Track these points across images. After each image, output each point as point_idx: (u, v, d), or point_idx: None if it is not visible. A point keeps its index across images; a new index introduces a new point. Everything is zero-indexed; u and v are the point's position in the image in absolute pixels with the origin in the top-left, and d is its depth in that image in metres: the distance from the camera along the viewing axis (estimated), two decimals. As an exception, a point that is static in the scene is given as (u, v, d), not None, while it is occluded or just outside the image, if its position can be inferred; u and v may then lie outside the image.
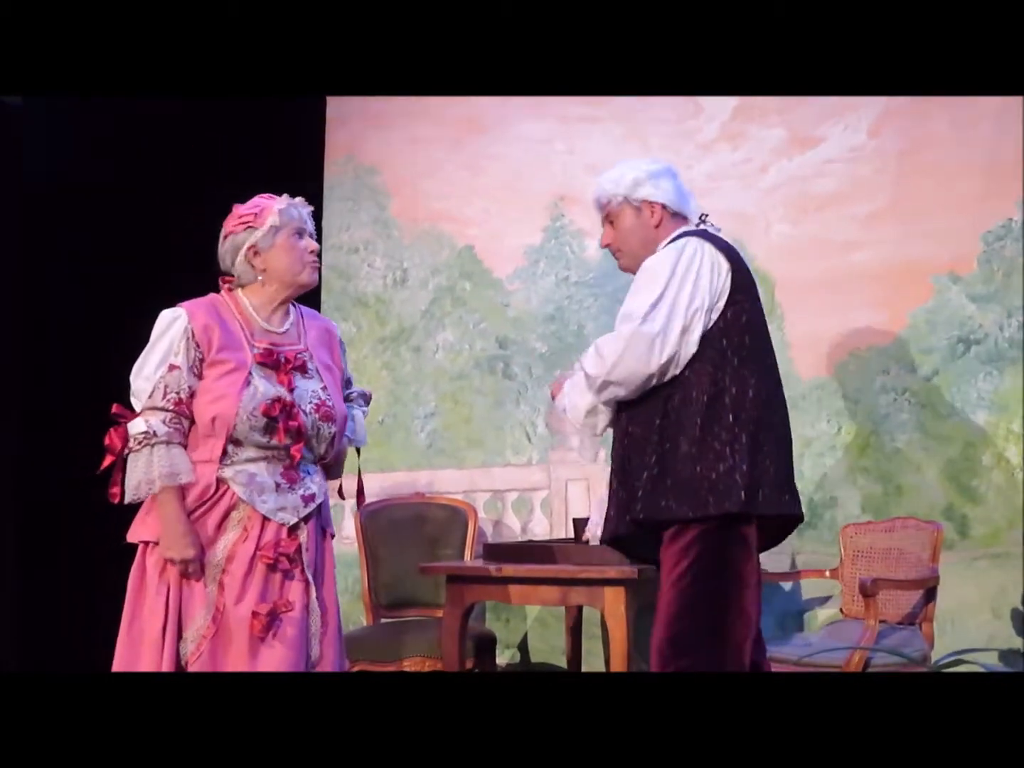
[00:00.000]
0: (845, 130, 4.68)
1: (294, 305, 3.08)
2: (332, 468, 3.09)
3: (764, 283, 4.76)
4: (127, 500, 2.85)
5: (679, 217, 3.02)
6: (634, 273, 2.96)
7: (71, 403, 4.99)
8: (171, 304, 2.97)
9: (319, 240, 3.10)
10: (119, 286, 5.07)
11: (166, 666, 2.76)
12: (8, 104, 5.42)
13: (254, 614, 2.79)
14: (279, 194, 3.03)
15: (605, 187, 3.02)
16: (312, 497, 2.94)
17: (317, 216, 3.12)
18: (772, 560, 4.64)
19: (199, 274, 3.16)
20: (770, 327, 4.78)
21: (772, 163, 4.79)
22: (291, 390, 2.90)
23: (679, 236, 2.94)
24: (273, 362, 2.91)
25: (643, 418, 2.83)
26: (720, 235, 2.99)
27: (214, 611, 2.81)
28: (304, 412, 2.89)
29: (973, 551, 4.39)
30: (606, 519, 2.95)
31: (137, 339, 2.98)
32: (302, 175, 5.20)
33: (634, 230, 3.00)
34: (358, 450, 3.19)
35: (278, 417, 2.84)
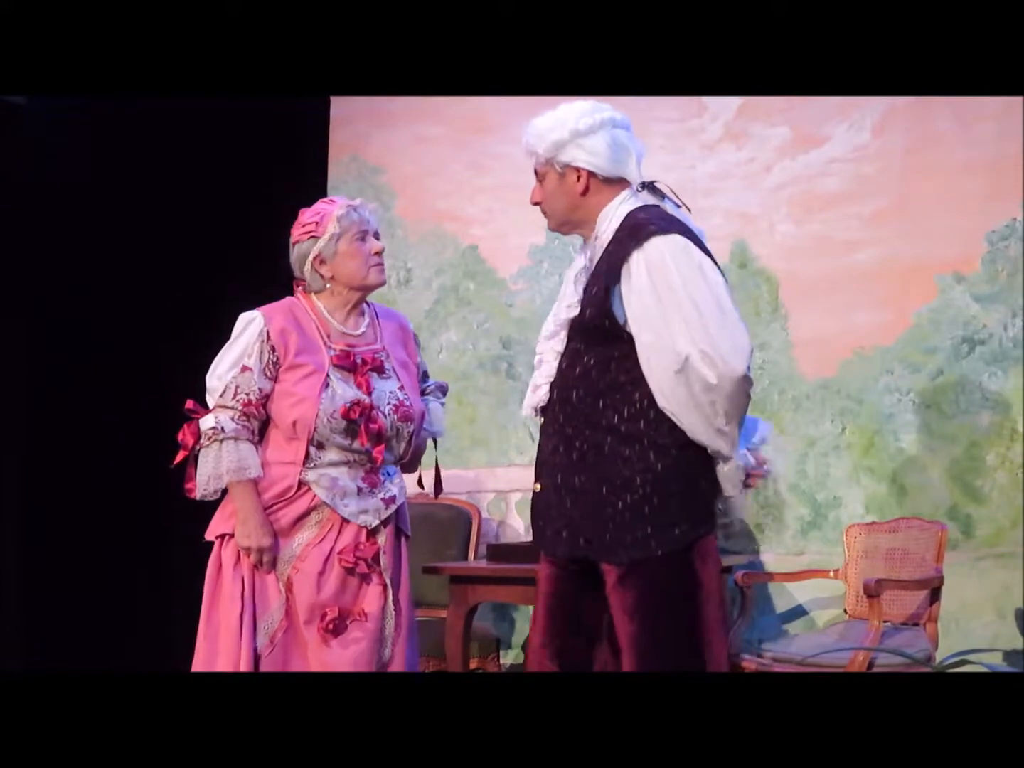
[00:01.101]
0: (849, 129, 4.67)
1: (368, 304, 3.09)
2: (410, 463, 3.11)
3: (768, 282, 4.78)
4: (198, 496, 2.93)
5: (613, 182, 2.68)
6: (560, 232, 2.79)
7: (90, 399, 5.03)
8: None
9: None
10: (119, 286, 5.07)
11: (244, 656, 2.81)
12: (13, 104, 5.42)
13: (323, 615, 2.84)
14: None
15: (530, 140, 2.72)
16: (393, 499, 2.98)
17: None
18: (777, 560, 4.65)
19: (200, 271, 3.17)
20: (774, 326, 4.87)
21: (776, 162, 4.79)
22: (369, 392, 2.93)
23: (633, 217, 2.64)
24: (350, 364, 2.94)
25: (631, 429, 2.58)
26: (678, 213, 2.74)
27: (286, 606, 2.86)
28: (384, 414, 2.92)
29: (977, 551, 4.38)
30: (552, 536, 2.66)
31: (140, 337, 2.99)
32: (307, 174, 5.22)
33: (558, 195, 2.69)
34: (435, 441, 3.22)
35: (358, 420, 2.87)
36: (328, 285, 3.00)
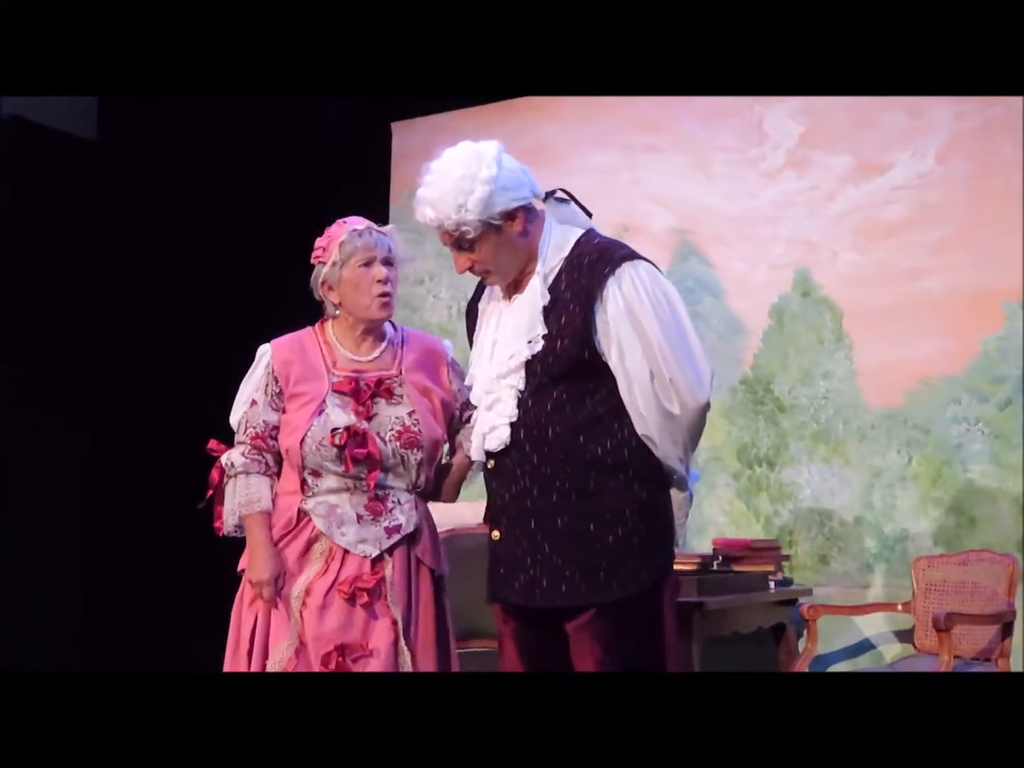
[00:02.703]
0: (913, 156, 4.63)
1: (396, 329, 2.98)
2: (442, 491, 2.94)
3: (831, 311, 4.74)
4: (225, 532, 2.90)
5: (533, 210, 2.59)
6: (508, 288, 2.62)
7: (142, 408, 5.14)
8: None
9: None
10: (186, 317, 5.18)
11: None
12: (84, 140, 5.56)
13: (328, 652, 2.74)
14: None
15: (444, 214, 2.52)
16: (398, 528, 2.82)
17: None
18: (842, 593, 4.58)
19: (263, 306, 3.20)
20: (838, 355, 4.82)
21: (839, 190, 4.75)
22: (369, 418, 2.81)
23: (589, 242, 2.58)
24: (352, 390, 2.83)
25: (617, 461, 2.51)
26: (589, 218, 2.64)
27: (297, 644, 2.78)
28: (384, 440, 2.80)
29: (1050, 584, 4.29)
30: (525, 586, 2.55)
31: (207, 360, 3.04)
32: (370, 210, 5.26)
33: (504, 248, 2.56)
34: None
35: (345, 445, 2.77)
36: (337, 312, 2.91)
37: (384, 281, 2.85)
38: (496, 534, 2.60)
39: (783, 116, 4.87)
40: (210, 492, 2.92)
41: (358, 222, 2.91)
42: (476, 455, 2.65)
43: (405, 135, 5.55)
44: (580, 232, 2.63)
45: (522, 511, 2.54)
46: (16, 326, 5.34)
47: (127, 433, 5.52)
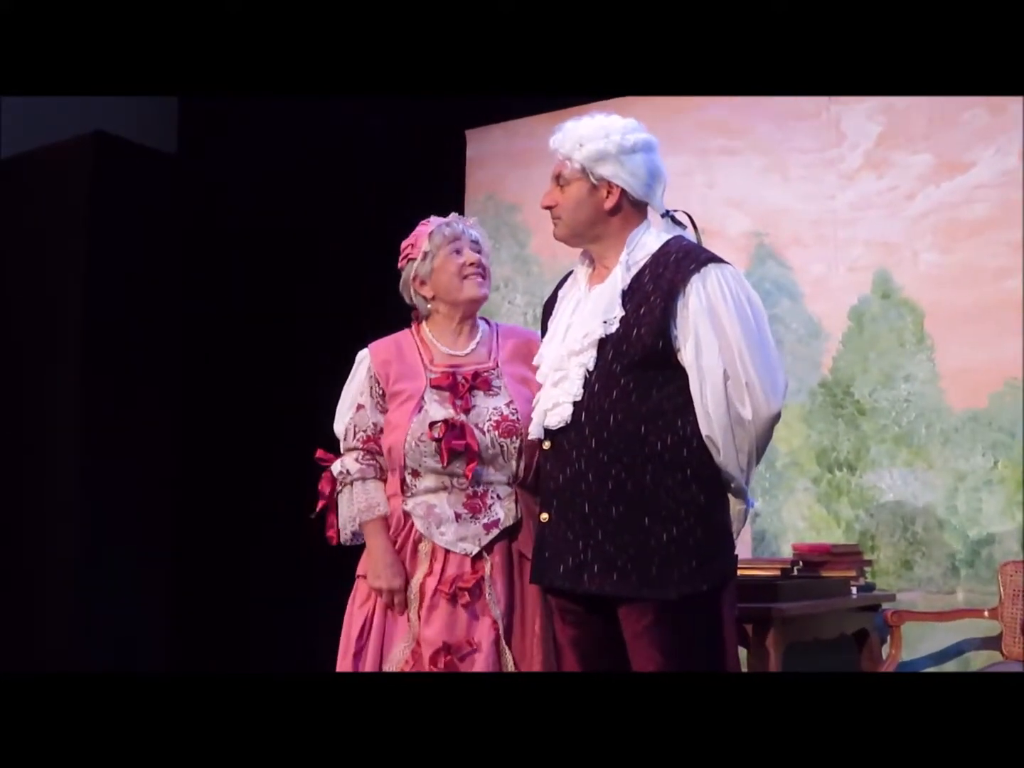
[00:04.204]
0: (996, 154, 4.54)
1: (489, 324, 3.01)
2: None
3: (912, 313, 4.66)
4: (341, 541, 2.91)
5: (640, 205, 2.62)
6: (568, 244, 2.67)
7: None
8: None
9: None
10: (268, 330, 5.26)
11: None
12: (162, 153, 5.67)
13: (436, 651, 2.74)
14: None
15: (565, 144, 2.59)
16: (496, 523, 2.79)
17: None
18: (927, 599, 4.50)
19: (340, 314, 3.24)
20: (919, 358, 4.74)
21: (919, 190, 4.68)
22: (467, 410, 2.80)
23: (678, 243, 2.60)
24: (449, 384, 2.84)
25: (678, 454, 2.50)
26: (687, 233, 2.66)
27: (414, 645, 2.78)
28: (482, 431, 2.78)
29: None
30: (572, 570, 2.53)
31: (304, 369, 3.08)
32: (443, 214, 5.31)
33: (583, 205, 2.59)
34: None
35: (443, 438, 2.75)
36: (430, 306, 2.93)
37: (476, 263, 2.89)
38: (545, 516, 2.59)
39: (861, 116, 4.80)
40: (323, 503, 2.92)
41: (440, 218, 2.96)
42: (535, 432, 2.63)
43: (479, 141, 5.57)
44: (669, 236, 2.63)
45: (576, 494, 2.53)
46: (106, 339, 5.47)
47: (216, 437, 5.62)
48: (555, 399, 2.58)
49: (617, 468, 2.49)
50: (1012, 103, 4.48)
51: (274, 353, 5.56)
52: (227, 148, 5.81)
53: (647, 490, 2.48)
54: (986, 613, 4.26)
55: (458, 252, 2.89)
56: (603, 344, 2.55)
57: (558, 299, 2.76)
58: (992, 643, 4.28)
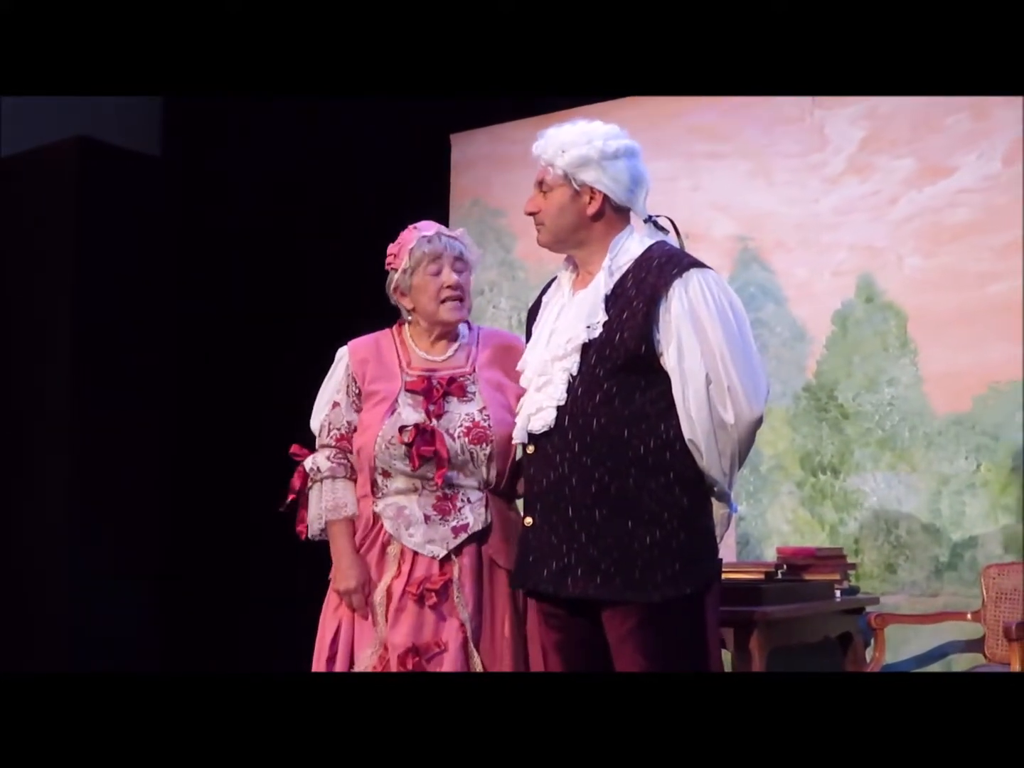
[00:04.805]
0: (979, 159, 4.57)
1: (471, 327, 3.00)
2: (508, 489, 2.90)
3: (896, 317, 4.68)
4: (308, 536, 2.91)
5: (622, 211, 2.63)
6: (551, 250, 2.68)
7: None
8: (315, 343, 3.03)
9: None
10: (257, 330, 5.26)
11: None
12: (147, 156, 5.66)
13: (403, 652, 2.73)
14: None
15: (548, 151, 2.60)
16: (465, 527, 2.78)
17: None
18: (910, 602, 4.52)
19: (325, 315, 3.24)
20: (903, 362, 4.76)
21: (902, 195, 4.70)
22: (440, 415, 2.80)
23: (661, 248, 2.60)
24: (423, 389, 2.84)
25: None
26: (669, 238, 2.68)
27: (381, 650, 2.78)
28: (452, 437, 2.78)
29: (1125, 593, 4.20)
30: (556, 574, 2.53)
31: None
32: (427, 219, 5.32)
33: (566, 211, 2.60)
34: None
35: (413, 443, 2.75)
36: (410, 317, 2.94)
37: (454, 286, 2.87)
38: (529, 520, 2.59)
39: (844, 121, 4.82)
40: (292, 497, 2.92)
41: (428, 227, 2.94)
42: (519, 436, 2.64)
43: (464, 146, 5.57)
44: (652, 241, 2.64)
45: (560, 498, 2.53)
46: (96, 342, 5.46)
47: (208, 438, 5.62)
48: (539, 403, 2.59)
49: (600, 472, 2.50)
50: (996, 108, 4.51)
51: (265, 353, 5.56)
52: (211, 151, 5.81)
53: (630, 493, 2.49)
54: (969, 616, 4.28)
55: (437, 273, 2.87)
56: (586, 349, 2.56)
57: (542, 304, 2.77)
58: (975, 646, 4.30)
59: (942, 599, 4.47)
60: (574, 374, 2.56)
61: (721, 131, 5.07)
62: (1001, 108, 4.49)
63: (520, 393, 2.78)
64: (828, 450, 4.77)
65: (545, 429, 2.57)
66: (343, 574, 2.81)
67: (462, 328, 2.97)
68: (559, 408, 2.55)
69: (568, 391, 2.55)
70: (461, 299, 2.89)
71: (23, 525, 5.45)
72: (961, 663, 4.40)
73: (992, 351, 4.46)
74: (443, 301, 2.87)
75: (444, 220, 5.50)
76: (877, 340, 4.67)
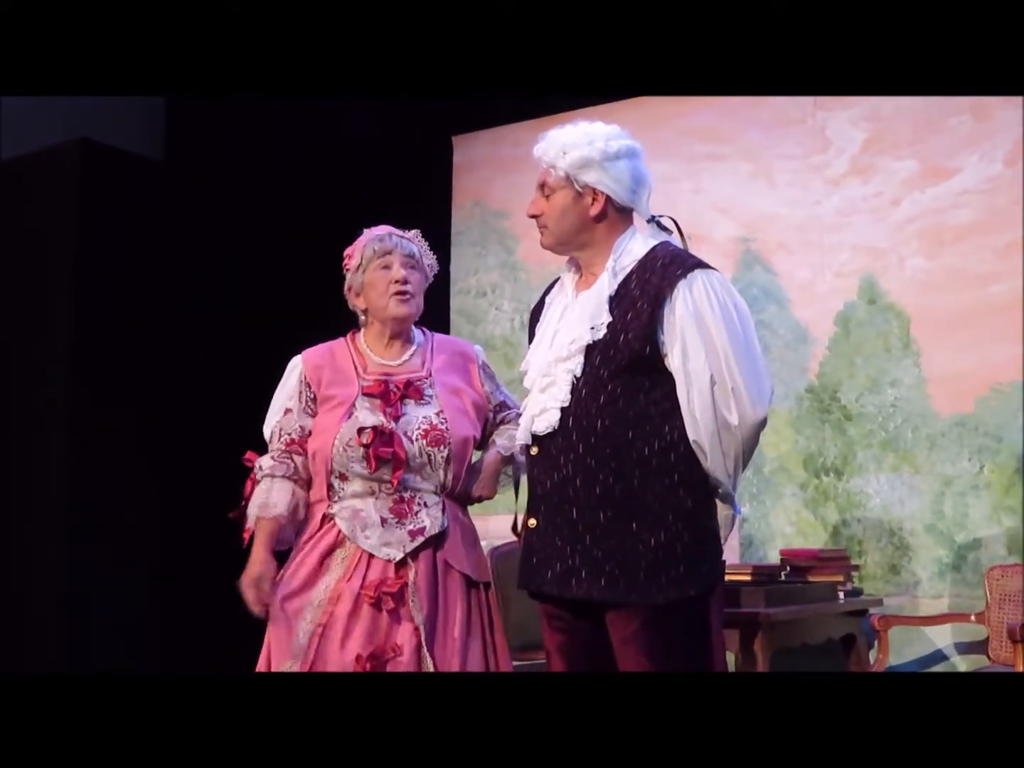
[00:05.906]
0: (981, 160, 4.57)
1: (424, 334, 3.00)
2: (475, 489, 2.89)
3: (899, 318, 4.68)
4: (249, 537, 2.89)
5: (625, 211, 2.61)
6: (555, 252, 2.65)
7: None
8: (309, 343, 3.02)
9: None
10: (248, 332, 5.25)
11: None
12: (148, 159, 5.66)
13: (357, 657, 2.69)
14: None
15: (549, 152, 2.58)
16: (421, 531, 2.76)
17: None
18: (914, 603, 4.51)
19: (323, 318, 3.23)
20: (905, 363, 4.76)
21: (904, 196, 4.70)
22: (397, 418, 2.80)
23: (665, 249, 2.59)
24: (381, 392, 2.83)
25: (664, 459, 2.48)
26: (673, 239, 2.66)
27: (302, 659, 2.73)
28: (410, 439, 2.78)
29: None
30: (560, 576, 2.51)
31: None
32: (431, 221, 5.33)
33: (568, 213, 2.58)
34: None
35: (371, 444, 2.74)
36: (363, 318, 2.94)
37: (402, 281, 2.87)
38: (533, 522, 2.57)
39: (846, 123, 4.82)
40: (244, 503, 2.89)
41: (381, 229, 2.95)
42: (522, 438, 2.62)
43: (466, 147, 5.58)
44: (656, 241, 2.63)
45: (564, 500, 2.51)
46: (95, 342, 5.46)
47: (205, 438, 5.62)
48: (543, 404, 2.58)
49: (604, 473, 2.48)
50: (997, 109, 4.51)
51: (265, 354, 5.54)
52: (212, 154, 5.81)
53: (634, 495, 2.47)
54: (973, 617, 4.28)
55: (387, 268, 2.88)
56: (590, 350, 2.55)
57: (545, 305, 2.76)
58: (979, 648, 4.30)
59: (945, 601, 4.46)
60: (578, 375, 2.55)
61: (723, 133, 5.07)
62: (1002, 109, 4.49)
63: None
64: (831, 452, 4.76)
65: (549, 430, 2.55)
66: (247, 570, 2.78)
67: (416, 334, 2.98)
68: (563, 409, 2.54)
69: (572, 392, 2.54)
70: (411, 295, 2.88)
71: (23, 525, 5.45)
72: (965, 665, 4.40)
73: (995, 352, 4.46)
74: (392, 296, 2.87)
75: (446, 221, 5.54)
76: (879, 341, 4.67)
